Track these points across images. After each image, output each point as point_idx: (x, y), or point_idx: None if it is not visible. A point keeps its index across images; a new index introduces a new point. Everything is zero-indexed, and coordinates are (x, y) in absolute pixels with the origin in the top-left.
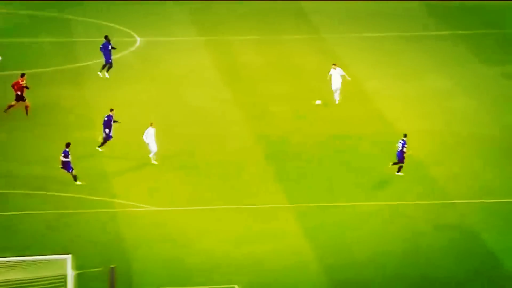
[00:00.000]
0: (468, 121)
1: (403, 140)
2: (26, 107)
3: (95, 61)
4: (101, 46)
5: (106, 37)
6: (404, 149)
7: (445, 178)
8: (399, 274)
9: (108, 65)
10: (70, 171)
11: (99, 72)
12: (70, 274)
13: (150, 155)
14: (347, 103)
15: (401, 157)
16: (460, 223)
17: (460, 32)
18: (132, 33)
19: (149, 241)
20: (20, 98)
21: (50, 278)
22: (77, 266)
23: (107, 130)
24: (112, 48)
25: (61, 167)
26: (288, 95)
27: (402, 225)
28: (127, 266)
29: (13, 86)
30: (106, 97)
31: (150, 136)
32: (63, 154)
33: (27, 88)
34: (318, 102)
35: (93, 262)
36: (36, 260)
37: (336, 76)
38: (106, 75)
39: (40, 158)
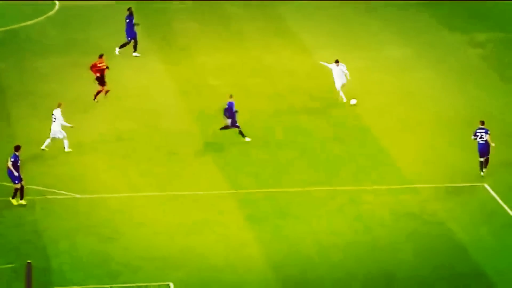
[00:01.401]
0: (430, 96)
1: (483, 128)
2: (107, 91)
3: (3, 28)
4: (127, 20)
5: (129, 9)
6: (488, 138)
7: (405, 160)
8: (353, 270)
9: (133, 42)
10: (16, 182)
11: (134, 53)
12: None
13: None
14: (295, 76)
15: (486, 149)
16: (422, 211)
17: None
18: None
19: (71, 233)
20: (101, 81)
21: None
22: None
23: (229, 121)
24: (135, 24)
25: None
26: (229, 66)
27: (358, 214)
28: (45, 262)
29: (91, 68)
30: (20, 71)
31: (57, 120)
32: (12, 160)
33: (107, 68)
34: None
35: (6, 257)
36: None
37: (339, 73)
38: (135, 53)
39: None
